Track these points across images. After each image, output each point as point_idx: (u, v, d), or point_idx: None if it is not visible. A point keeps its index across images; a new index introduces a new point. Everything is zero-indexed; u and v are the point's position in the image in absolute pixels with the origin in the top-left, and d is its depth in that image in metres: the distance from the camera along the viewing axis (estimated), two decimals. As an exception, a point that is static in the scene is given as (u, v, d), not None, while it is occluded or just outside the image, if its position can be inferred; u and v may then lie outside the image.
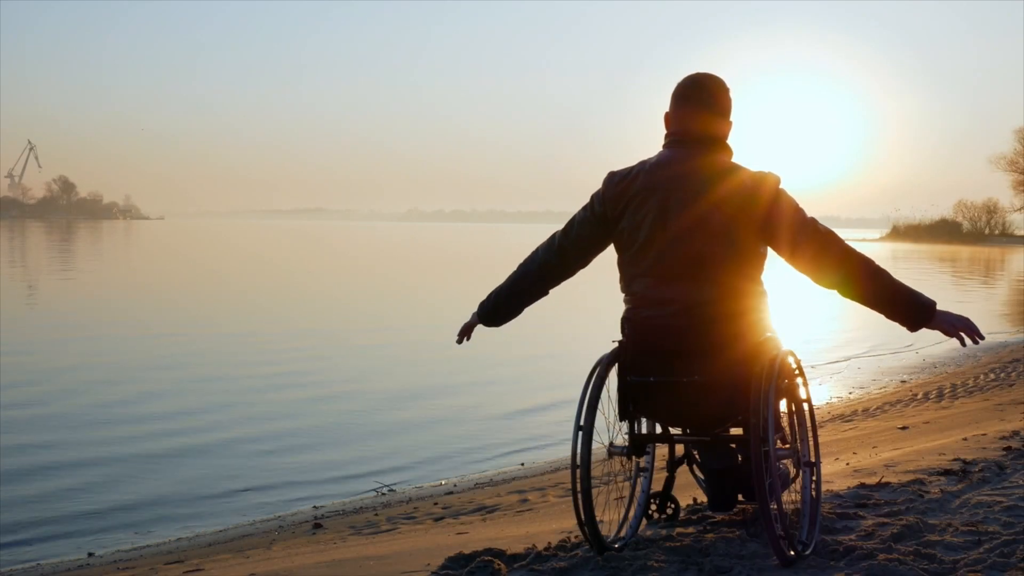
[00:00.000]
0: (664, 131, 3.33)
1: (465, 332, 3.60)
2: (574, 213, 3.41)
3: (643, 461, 3.65)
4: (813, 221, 3.17)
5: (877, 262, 3.15)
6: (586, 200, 3.39)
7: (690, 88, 3.29)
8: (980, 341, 3.11)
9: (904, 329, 3.19)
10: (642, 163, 3.29)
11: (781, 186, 3.16)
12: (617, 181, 3.27)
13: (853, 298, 3.16)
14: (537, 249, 3.47)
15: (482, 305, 3.54)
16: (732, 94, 3.32)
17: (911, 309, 3.12)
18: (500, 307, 3.50)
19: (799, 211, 3.16)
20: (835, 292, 3.18)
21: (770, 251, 3.26)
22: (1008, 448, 5.08)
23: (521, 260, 3.49)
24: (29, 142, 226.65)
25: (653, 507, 3.72)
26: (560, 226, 3.48)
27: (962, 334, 3.11)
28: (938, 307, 3.13)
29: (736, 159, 3.27)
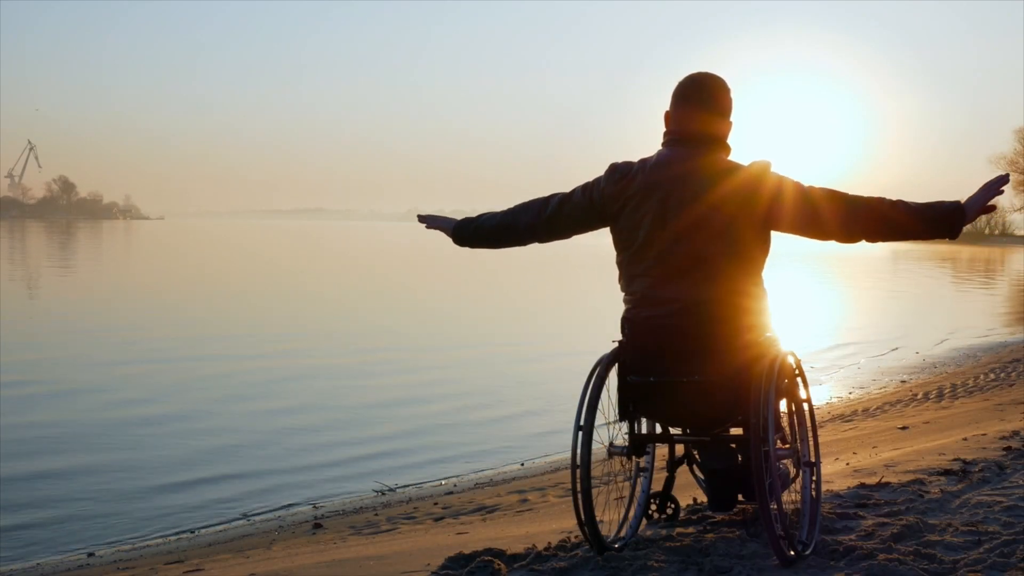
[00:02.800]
0: (664, 129, 3.34)
1: (432, 227, 3.69)
2: (576, 188, 3.39)
3: (643, 461, 3.65)
4: (811, 194, 3.13)
5: (889, 197, 3.12)
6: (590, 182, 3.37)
7: (690, 88, 3.29)
8: (1008, 179, 3.11)
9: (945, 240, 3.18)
10: (643, 161, 3.29)
11: (773, 170, 3.15)
12: (617, 178, 3.27)
13: (881, 240, 3.14)
14: (531, 205, 3.46)
15: (463, 225, 3.59)
16: (732, 94, 3.32)
17: (941, 221, 3.08)
18: (478, 240, 3.59)
19: (798, 192, 3.13)
20: (863, 242, 3.17)
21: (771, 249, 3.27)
22: (1008, 448, 5.08)
23: (518, 229, 3.48)
24: (29, 142, 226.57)
25: (653, 507, 3.72)
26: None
27: (995, 192, 3.09)
28: (963, 201, 3.09)
29: (735, 159, 3.26)
